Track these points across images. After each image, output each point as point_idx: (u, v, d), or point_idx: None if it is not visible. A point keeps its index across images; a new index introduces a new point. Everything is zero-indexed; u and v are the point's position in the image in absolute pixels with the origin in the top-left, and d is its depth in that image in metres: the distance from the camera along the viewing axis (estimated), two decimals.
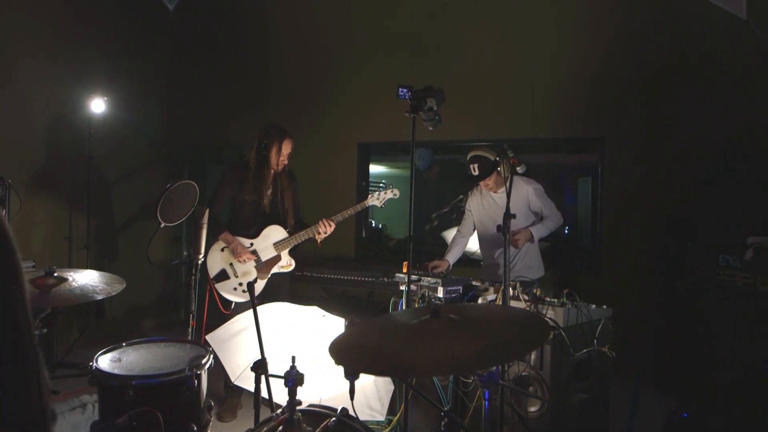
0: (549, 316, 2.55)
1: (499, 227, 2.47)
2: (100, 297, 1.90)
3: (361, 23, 5.81)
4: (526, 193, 3.62)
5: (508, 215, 2.48)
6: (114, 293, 1.97)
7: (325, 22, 5.96)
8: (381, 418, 2.77)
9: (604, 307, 2.82)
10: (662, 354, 4.44)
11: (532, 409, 2.58)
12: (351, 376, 1.87)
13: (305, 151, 5.90)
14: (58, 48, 5.09)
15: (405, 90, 2.63)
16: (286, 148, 3.70)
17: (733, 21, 4.44)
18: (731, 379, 3.58)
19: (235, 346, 2.69)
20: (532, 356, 2.56)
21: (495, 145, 3.69)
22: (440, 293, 3.06)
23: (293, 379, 1.81)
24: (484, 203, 3.77)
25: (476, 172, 3.55)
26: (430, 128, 2.70)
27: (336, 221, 3.66)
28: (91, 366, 1.78)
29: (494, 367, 1.71)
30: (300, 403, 1.91)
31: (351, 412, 1.99)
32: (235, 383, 2.60)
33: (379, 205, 3.76)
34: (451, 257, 3.74)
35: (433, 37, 5.51)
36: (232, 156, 6.19)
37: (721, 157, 3.95)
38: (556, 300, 2.63)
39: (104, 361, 1.85)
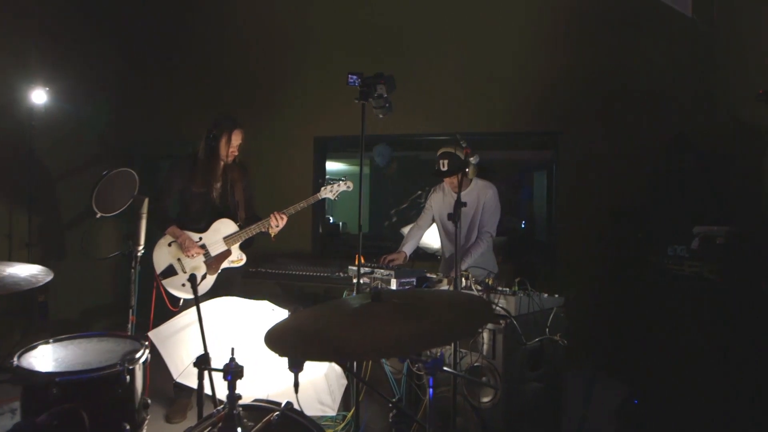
0: (501, 304, 2.53)
1: (449, 215, 2.43)
2: (24, 288, 1.76)
3: (319, 17, 5.71)
4: (484, 199, 3.63)
5: (459, 203, 2.45)
6: (39, 284, 1.83)
7: (283, 16, 5.85)
8: (332, 413, 2.71)
9: (557, 296, 2.82)
10: (616, 342, 4.51)
11: (485, 399, 2.55)
12: (295, 368, 1.80)
13: (262, 146, 5.79)
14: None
15: (355, 77, 2.57)
16: (236, 138, 3.59)
17: (680, 19, 4.55)
18: (679, 365, 3.65)
19: (180, 342, 2.58)
20: (485, 346, 2.54)
21: (452, 139, 3.65)
22: (393, 285, 3.02)
23: (233, 372, 1.72)
24: (446, 201, 3.76)
25: (444, 168, 3.52)
26: (381, 116, 2.65)
27: (288, 214, 3.58)
28: (12, 364, 1.65)
29: (439, 353, 1.67)
30: (240, 397, 1.83)
31: (296, 406, 1.92)
32: (178, 380, 2.49)
33: (333, 198, 3.69)
34: (408, 249, 3.70)
35: (390, 32, 5.46)
36: (186, 152, 6.02)
37: (669, 150, 4.04)
38: (508, 289, 2.62)
39: (27, 359, 1.72)
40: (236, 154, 3.63)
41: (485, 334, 2.54)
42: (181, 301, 3.51)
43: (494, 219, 3.65)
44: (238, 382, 2.20)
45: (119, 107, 5.97)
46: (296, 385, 1.88)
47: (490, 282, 2.69)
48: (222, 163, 3.60)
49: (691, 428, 3.40)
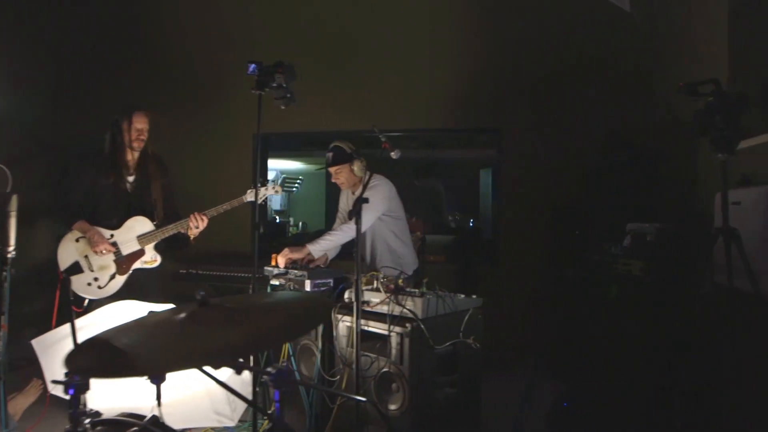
0: (408, 307, 2.39)
1: (350, 213, 2.29)
2: None
3: (260, 14, 5.52)
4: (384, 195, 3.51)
5: (360, 200, 2.31)
6: None
7: (222, 11, 5.64)
8: (230, 423, 2.54)
9: (474, 296, 2.70)
10: (556, 344, 4.44)
11: (393, 406, 2.41)
12: (155, 380, 1.63)
13: (200, 144, 5.59)
14: None
15: (253, 65, 2.41)
16: (138, 122, 3.39)
17: (618, 14, 4.50)
18: (610, 366, 3.58)
19: (62, 351, 2.37)
20: (393, 351, 2.40)
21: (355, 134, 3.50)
22: (307, 286, 2.87)
23: (76, 386, 1.54)
24: (349, 202, 3.72)
25: (331, 161, 3.45)
26: (282, 107, 2.50)
27: (209, 216, 3.40)
28: None
29: (284, 364, 1.52)
30: (100, 414, 1.66)
31: (163, 419, 1.75)
32: (53, 393, 2.28)
33: (259, 202, 3.50)
34: (313, 248, 3.54)
35: (329, 29, 5.32)
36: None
37: (603, 146, 3.97)
38: (416, 290, 2.48)
39: None
40: (143, 138, 3.43)
41: (393, 339, 2.40)
42: (86, 301, 3.28)
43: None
44: (130, 392, 2.03)
45: (53, 102, 5.67)
46: (158, 397, 1.71)
47: (400, 283, 2.55)
48: (130, 152, 3.41)
49: (621, 429, 3.33)
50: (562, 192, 4.62)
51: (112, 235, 3.34)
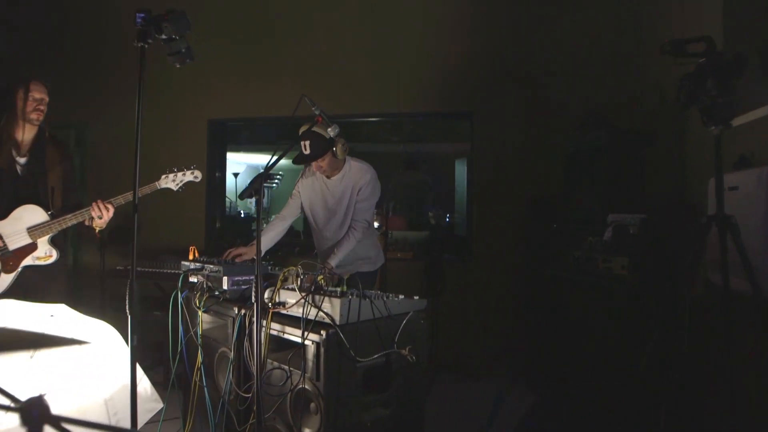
0: (325, 309, 1.93)
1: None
2: None
3: None
4: (359, 184, 3.05)
5: (263, 175, 1.84)
6: None
7: None
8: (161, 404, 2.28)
9: (416, 297, 2.24)
10: (531, 349, 3.99)
11: (308, 430, 1.95)
12: None
13: (148, 129, 5.10)
14: None
15: (141, 15, 1.94)
16: (36, 91, 2.90)
17: None
18: (589, 376, 3.13)
19: None
20: (309, 363, 1.94)
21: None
22: (225, 284, 2.41)
23: None
24: (315, 187, 3.15)
25: (307, 151, 2.90)
26: (177, 65, 2.04)
27: (116, 204, 2.91)
28: None
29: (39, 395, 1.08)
30: None
31: None
32: None
33: (175, 188, 3.00)
34: (263, 241, 3.08)
35: (292, 12, 4.88)
36: (63, 136, 5.30)
37: (580, 127, 3.52)
38: (338, 290, 2.02)
39: None
40: (42, 109, 2.94)
41: (310, 348, 1.94)
42: None
43: (369, 206, 3.08)
44: None
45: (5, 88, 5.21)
46: None
47: (320, 280, 2.09)
48: (23, 126, 2.92)
49: None
50: (538, 180, 4.18)
51: None
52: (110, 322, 2.35)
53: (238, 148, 8.01)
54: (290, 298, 2.10)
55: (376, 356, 1.99)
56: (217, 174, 5.32)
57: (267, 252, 3.23)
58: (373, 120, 5.30)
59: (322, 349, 1.88)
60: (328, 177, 3.08)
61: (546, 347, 3.74)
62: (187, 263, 2.69)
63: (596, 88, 4.08)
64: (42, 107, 2.92)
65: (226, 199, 6.55)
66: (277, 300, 2.15)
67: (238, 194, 6.82)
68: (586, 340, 3.26)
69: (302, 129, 2.95)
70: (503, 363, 4.15)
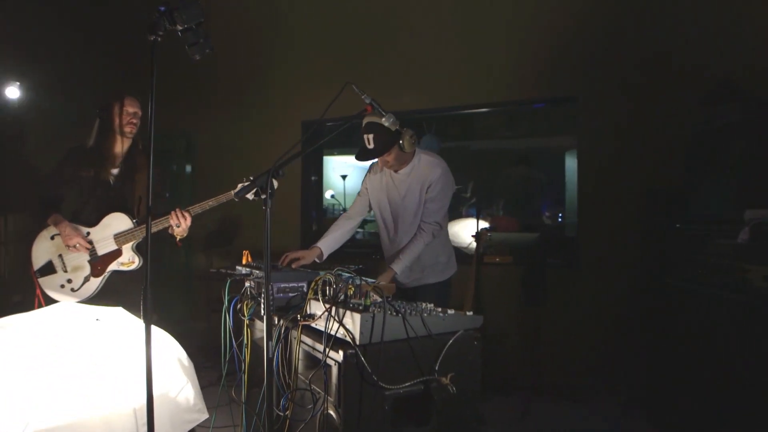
0: (348, 325, 1.65)
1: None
2: None
3: None
4: (428, 180, 2.73)
5: (268, 197, 1.62)
6: None
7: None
8: (206, 414, 2.17)
9: (469, 313, 1.87)
10: (650, 374, 3.34)
11: None
12: None
13: (243, 134, 5.22)
14: None
15: (162, 9, 1.82)
16: (131, 105, 3.03)
17: None
18: (712, 409, 2.49)
19: None
20: (333, 387, 1.67)
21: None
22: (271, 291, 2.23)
23: None
24: (383, 183, 2.89)
25: (371, 145, 2.67)
26: (197, 56, 1.90)
27: (193, 213, 2.92)
28: None
29: None
30: None
31: None
32: None
33: (251, 198, 2.94)
34: (325, 243, 2.87)
35: (377, 5, 4.68)
36: (170, 144, 5.64)
37: (707, 102, 2.83)
38: (361, 302, 1.72)
39: None
40: (136, 123, 3.06)
41: (333, 369, 1.68)
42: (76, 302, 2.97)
43: (441, 205, 2.73)
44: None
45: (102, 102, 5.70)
46: None
47: (350, 292, 1.81)
48: (120, 140, 3.05)
49: None
50: (656, 171, 3.51)
51: (88, 233, 2.99)
52: (196, 324, 2.30)
53: (346, 151, 7.99)
54: (319, 310, 1.86)
55: (407, 384, 1.66)
56: (313, 178, 5.27)
57: (330, 254, 3.02)
58: (480, 112, 4.92)
59: (342, 372, 1.61)
60: (395, 171, 2.81)
61: (667, 372, 3.09)
62: (240, 268, 2.58)
63: (726, 53, 3.29)
64: (135, 120, 3.04)
65: (335, 201, 6.54)
66: (307, 311, 1.92)
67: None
68: (717, 366, 2.61)
69: (364, 120, 2.70)
70: (614, 388, 3.54)
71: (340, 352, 1.60)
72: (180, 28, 1.81)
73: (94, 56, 5.39)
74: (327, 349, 1.68)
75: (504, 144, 6.72)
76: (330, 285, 1.89)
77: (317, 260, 2.91)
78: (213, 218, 5.42)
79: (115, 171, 3.08)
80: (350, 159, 8.10)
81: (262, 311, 2.21)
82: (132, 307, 3.16)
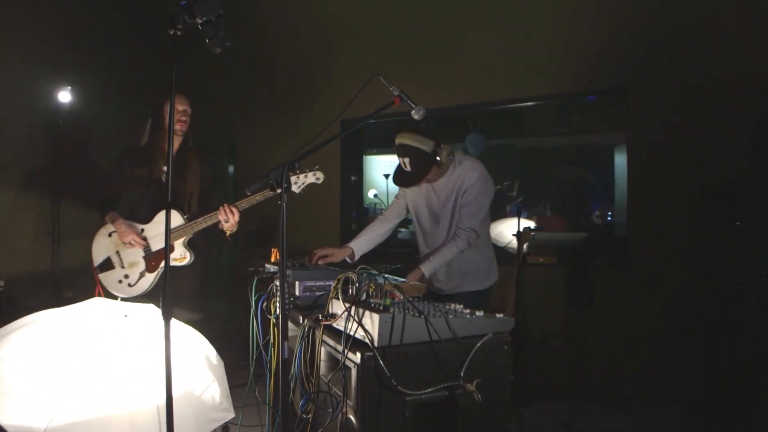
0: (367, 326, 1.57)
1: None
2: None
3: None
4: (464, 185, 2.61)
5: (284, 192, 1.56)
6: None
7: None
8: (232, 414, 2.15)
9: (499, 315, 1.75)
10: (708, 387, 3.09)
11: None
12: None
13: (283, 132, 5.23)
14: (29, 44, 4.90)
15: (183, 2, 1.80)
16: (180, 103, 3.10)
17: None
18: None
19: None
20: (352, 390, 1.60)
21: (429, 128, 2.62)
22: (297, 289, 2.19)
23: None
24: (421, 187, 2.81)
25: (408, 168, 2.59)
26: (217, 50, 1.87)
27: (241, 208, 2.95)
28: None
29: None
30: None
31: None
32: None
33: (297, 192, 2.92)
34: (357, 244, 2.81)
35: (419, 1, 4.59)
36: (215, 145, 5.72)
37: None
38: (381, 302, 1.63)
39: None
40: (185, 121, 3.13)
41: (353, 372, 1.60)
42: (119, 299, 3.04)
43: (475, 211, 2.60)
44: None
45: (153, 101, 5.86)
46: None
47: (371, 290, 1.73)
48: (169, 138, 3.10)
49: None
50: (713, 165, 3.26)
51: (143, 230, 3.08)
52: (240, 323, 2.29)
53: (388, 150, 7.93)
54: (341, 310, 1.79)
55: (430, 390, 1.57)
56: (353, 178, 5.23)
57: (363, 255, 2.95)
58: (527, 108, 4.76)
59: (359, 375, 1.53)
60: (434, 181, 2.72)
61: (727, 385, 2.86)
62: (269, 266, 2.54)
63: None
64: (185, 118, 3.11)
65: (378, 200, 6.49)
66: (329, 311, 1.86)
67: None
68: None
69: (397, 139, 2.62)
70: (667, 398, 3.31)
71: (358, 354, 1.52)
72: (200, 21, 1.78)
73: (146, 57, 5.54)
74: (346, 351, 1.60)
75: (551, 141, 6.51)
76: (352, 284, 1.82)
77: (348, 260, 2.86)
78: (256, 217, 5.48)
79: (166, 168, 3.14)
80: (393, 158, 8.01)
81: (287, 309, 2.16)
82: (183, 304, 3.22)
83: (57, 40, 5.02)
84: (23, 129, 4.93)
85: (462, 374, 1.61)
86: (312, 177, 2.88)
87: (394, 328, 1.54)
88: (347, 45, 4.94)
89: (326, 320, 1.80)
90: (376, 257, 4.34)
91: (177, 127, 3.10)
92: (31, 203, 4.98)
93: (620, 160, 4.37)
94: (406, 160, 2.56)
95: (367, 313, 1.59)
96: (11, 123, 4.90)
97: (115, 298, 3.08)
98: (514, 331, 1.80)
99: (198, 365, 2.21)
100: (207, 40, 1.84)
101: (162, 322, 2.34)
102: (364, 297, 1.72)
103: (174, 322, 2.42)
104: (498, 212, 5.23)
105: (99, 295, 3.01)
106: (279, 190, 1.72)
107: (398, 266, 4.41)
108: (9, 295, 4.50)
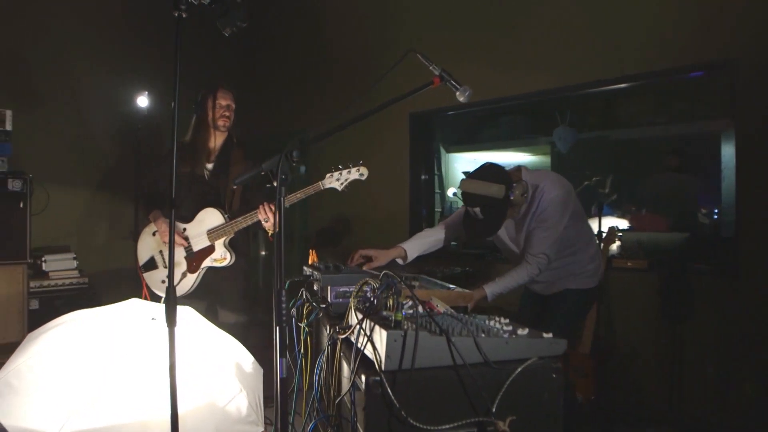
0: (375, 343, 1.31)
1: None
2: None
3: None
4: (539, 208, 2.39)
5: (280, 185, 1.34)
6: None
7: None
8: (260, 428, 2.03)
9: (548, 335, 1.43)
10: None
11: None
12: None
13: (352, 131, 5.05)
14: (109, 49, 5.16)
15: None
16: (223, 98, 3.02)
17: None
18: None
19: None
20: (358, 423, 1.35)
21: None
22: (329, 295, 1.99)
23: None
24: (511, 226, 2.59)
25: (480, 216, 2.34)
26: (227, 31, 1.71)
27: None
28: None
29: None
30: None
31: None
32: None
33: (340, 188, 2.74)
34: (412, 244, 2.56)
35: None
36: (283, 145, 5.73)
37: None
38: (392, 316, 1.36)
39: None
40: (228, 116, 3.05)
41: (361, 397, 1.36)
42: (161, 300, 3.02)
43: (547, 234, 2.34)
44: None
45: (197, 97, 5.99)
46: None
47: (390, 302, 1.46)
48: (214, 134, 3.04)
49: None
50: None
51: (184, 229, 3.02)
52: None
53: (468, 147, 7.54)
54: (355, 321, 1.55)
55: (449, 426, 1.28)
56: (423, 177, 4.95)
57: (415, 259, 2.69)
58: (621, 94, 4.28)
59: (364, 402, 1.29)
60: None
61: None
62: (306, 269, 2.36)
63: None
64: (228, 113, 3.03)
65: (457, 198, 6.19)
66: (348, 322, 1.62)
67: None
68: None
69: (462, 187, 2.37)
70: None
71: (362, 378, 1.28)
72: (205, 1, 1.62)
73: (211, 59, 5.62)
74: (354, 369, 1.36)
75: (648, 132, 5.84)
76: (374, 291, 1.57)
77: (400, 262, 2.62)
78: (324, 217, 5.38)
79: (209, 166, 3.08)
80: (474, 155, 7.68)
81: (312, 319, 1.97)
82: (225, 306, 3.14)
83: (135, 45, 5.22)
84: (108, 132, 5.20)
85: (494, 409, 1.31)
86: (356, 173, 2.69)
87: (406, 348, 1.27)
88: (415, 33, 4.67)
89: (342, 333, 1.57)
90: (446, 256, 4.07)
91: (220, 123, 3.02)
92: (114, 204, 5.23)
93: (728, 149, 3.75)
94: (477, 209, 2.33)
95: (377, 328, 1.33)
96: (98, 128, 5.17)
97: (159, 298, 3.06)
98: (595, 347, 1.47)
99: (225, 374, 2.07)
100: (217, 23, 1.68)
101: (192, 326, 2.25)
102: (383, 307, 1.46)
103: (205, 326, 2.30)
104: (586, 211, 4.78)
105: (145, 297, 2.99)
106: (278, 185, 1.50)
107: (467, 269, 4.10)
108: (94, 292, 4.71)
